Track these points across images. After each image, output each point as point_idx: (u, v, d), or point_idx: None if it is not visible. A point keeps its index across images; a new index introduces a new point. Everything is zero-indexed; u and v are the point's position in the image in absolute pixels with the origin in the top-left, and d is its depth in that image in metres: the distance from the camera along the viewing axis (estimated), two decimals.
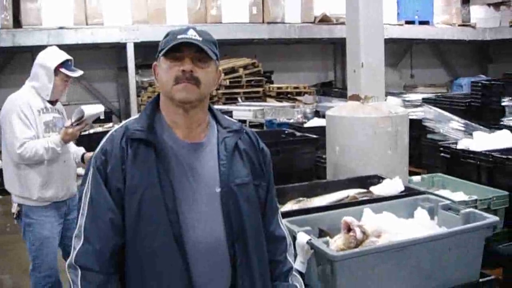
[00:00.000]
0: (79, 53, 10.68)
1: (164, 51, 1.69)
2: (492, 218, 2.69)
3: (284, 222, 2.25)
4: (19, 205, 3.51)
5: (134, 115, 4.50)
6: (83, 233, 1.68)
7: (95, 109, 3.73)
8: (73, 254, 1.69)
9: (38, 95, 3.50)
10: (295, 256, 2.41)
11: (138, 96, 10.07)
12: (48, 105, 3.52)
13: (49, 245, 3.53)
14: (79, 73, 3.63)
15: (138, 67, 10.09)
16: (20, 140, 3.28)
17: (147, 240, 1.66)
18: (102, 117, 3.95)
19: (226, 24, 10.22)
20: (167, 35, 1.74)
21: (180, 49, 1.68)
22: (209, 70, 1.73)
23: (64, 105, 3.87)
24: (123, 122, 1.81)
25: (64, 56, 3.56)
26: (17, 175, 3.46)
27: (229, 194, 1.74)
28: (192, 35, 1.69)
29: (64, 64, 3.52)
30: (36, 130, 3.38)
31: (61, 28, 9.05)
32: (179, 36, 1.69)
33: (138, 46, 9.66)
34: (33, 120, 3.38)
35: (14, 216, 3.56)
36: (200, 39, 1.70)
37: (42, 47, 3.61)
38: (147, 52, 10.47)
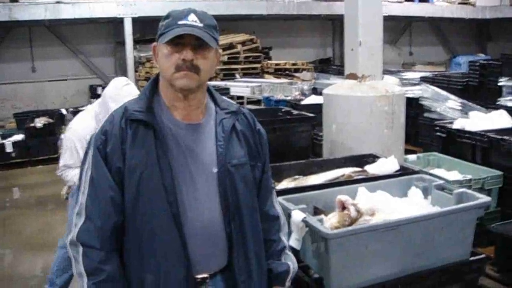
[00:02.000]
0: (77, 27, 10.68)
1: (164, 39, 1.67)
2: (484, 199, 2.72)
3: (280, 200, 2.29)
4: (69, 187, 3.76)
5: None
6: (84, 210, 1.71)
7: None
8: (74, 231, 1.71)
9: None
10: (290, 233, 2.45)
11: (136, 71, 10.04)
12: None
13: None
14: None
15: (136, 42, 10.03)
16: (61, 167, 3.63)
17: (145, 219, 1.69)
18: None
19: None
20: (167, 16, 1.73)
21: (181, 36, 1.67)
22: (209, 57, 1.73)
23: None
24: (123, 102, 1.82)
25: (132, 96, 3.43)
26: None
27: (226, 174, 1.76)
28: (193, 20, 1.68)
29: None
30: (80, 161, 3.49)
31: (58, 2, 8.95)
32: (179, 22, 1.67)
33: (136, 21, 9.59)
34: (82, 152, 3.47)
35: (65, 197, 3.96)
36: (201, 25, 1.69)
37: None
38: (145, 27, 10.40)
